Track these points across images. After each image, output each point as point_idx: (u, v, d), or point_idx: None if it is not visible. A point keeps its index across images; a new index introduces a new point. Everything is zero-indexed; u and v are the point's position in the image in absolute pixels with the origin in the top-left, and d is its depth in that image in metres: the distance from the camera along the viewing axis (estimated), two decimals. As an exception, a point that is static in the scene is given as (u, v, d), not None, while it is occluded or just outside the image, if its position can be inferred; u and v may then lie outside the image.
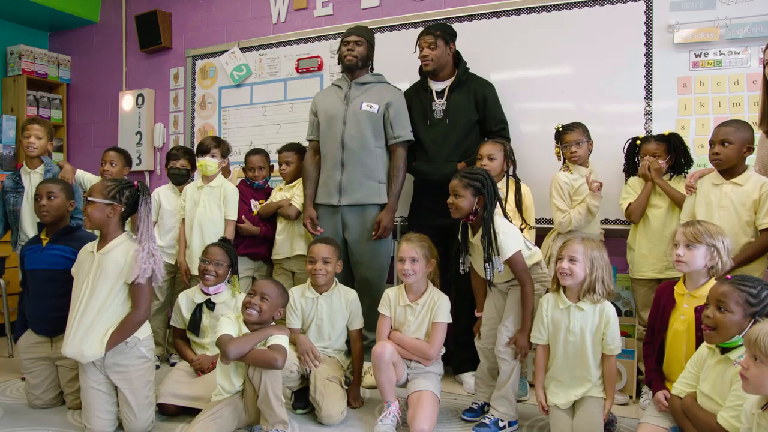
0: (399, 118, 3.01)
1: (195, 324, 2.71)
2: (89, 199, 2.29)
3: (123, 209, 2.32)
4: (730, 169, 2.40)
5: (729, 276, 1.82)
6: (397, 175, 3.00)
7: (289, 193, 3.26)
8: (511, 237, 2.32)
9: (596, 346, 2.18)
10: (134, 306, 2.32)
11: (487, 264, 2.29)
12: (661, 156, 2.68)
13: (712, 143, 2.41)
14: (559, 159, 2.91)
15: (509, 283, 2.45)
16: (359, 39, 3.04)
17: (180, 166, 3.44)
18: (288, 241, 3.22)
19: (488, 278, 2.34)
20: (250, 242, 3.28)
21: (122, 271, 2.27)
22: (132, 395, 2.31)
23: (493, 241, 2.28)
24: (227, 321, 2.34)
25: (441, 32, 3.02)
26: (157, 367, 2.63)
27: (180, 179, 3.44)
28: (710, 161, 2.46)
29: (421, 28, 3.20)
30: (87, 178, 3.36)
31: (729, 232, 2.29)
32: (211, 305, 2.73)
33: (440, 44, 3.01)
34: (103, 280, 2.26)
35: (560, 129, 2.88)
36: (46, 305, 2.60)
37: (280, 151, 3.37)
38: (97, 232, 2.42)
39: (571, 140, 2.82)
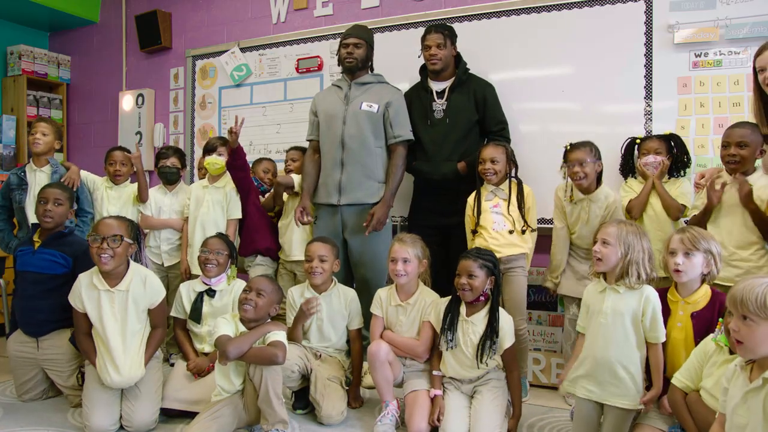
0: (399, 117, 3.01)
1: (197, 312, 2.74)
2: (124, 238, 2.38)
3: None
4: (742, 171, 2.37)
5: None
6: (395, 172, 2.99)
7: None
8: (511, 328, 2.36)
9: (634, 335, 2.01)
10: (157, 324, 2.53)
11: (482, 345, 2.29)
12: (662, 153, 2.68)
13: (727, 144, 2.36)
14: (564, 177, 2.81)
15: (474, 383, 2.38)
16: (359, 41, 3.04)
17: (170, 164, 3.44)
18: (301, 244, 3.18)
19: (481, 360, 2.30)
20: (267, 239, 3.27)
21: (145, 301, 2.46)
22: (142, 390, 2.39)
23: (496, 323, 2.30)
24: (224, 321, 2.35)
25: (449, 32, 3.03)
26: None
27: (171, 177, 3.45)
28: (724, 162, 2.40)
29: (421, 28, 3.20)
30: (91, 178, 3.38)
31: (737, 231, 2.30)
32: (211, 293, 2.76)
33: (448, 44, 3.02)
34: (131, 315, 2.41)
35: (568, 147, 2.77)
36: (33, 307, 2.66)
37: (287, 151, 3.43)
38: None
39: (574, 159, 2.69)
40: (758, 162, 2.41)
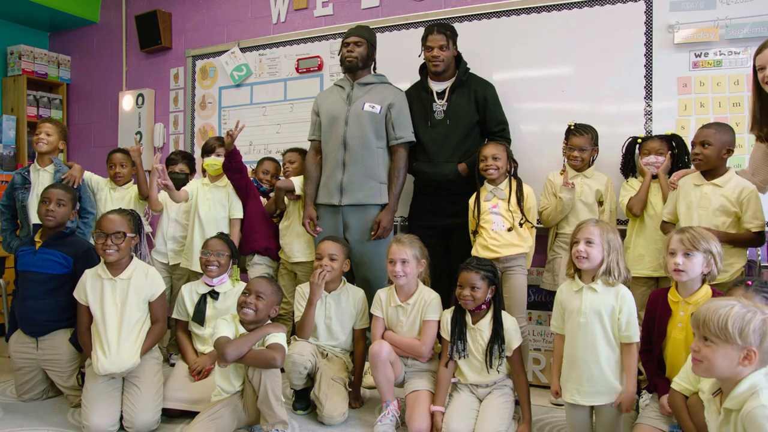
0: (401, 119, 3.01)
1: (200, 314, 2.74)
2: (127, 234, 2.44)
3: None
4: (711, 170, 2.43)
5: (750, 282, 1.80)
6: (398, 176, 2.99)
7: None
8: (517, 330, 2.39)
9: (612, 332, 2.07)
10: (157, 319, 2.54)
11: (489, 350, 2.33)
12: (664, 154, 2.70)
13: (693, 144, 2.46)
14: (564, 155, 2.91)
15: (489, 388, 2.41)
16: (359, 39, 3.02)
17: (179, 170, 3.46)
18: (303, 245, 3.20)
19: (490, 365, 2.35)
20: (265, 239, 3.27)
21: (145, 291, 2.49)
22: (143, 390, 2.38)
23: (500, 330, 2.34)
24: (224, 323, 2.35)
25: (450, 32, 3.02)
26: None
27: (179, 183, 3.45)
28: (692, 161, 2.52)
29: (421, 28, 3.19)
30: (95, 179, 3.39)
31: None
32: (215, 295, 2.76)
33: (450, 45, 3.01)
34: (131, 303, 2.44)
35: (572, 127, 2.88)
36: (32, 307, 2.66)
37: (283, 153, 3.41)
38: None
39: (575, 145, 2.83)
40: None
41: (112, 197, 3.37)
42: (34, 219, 3.08)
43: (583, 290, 2.12)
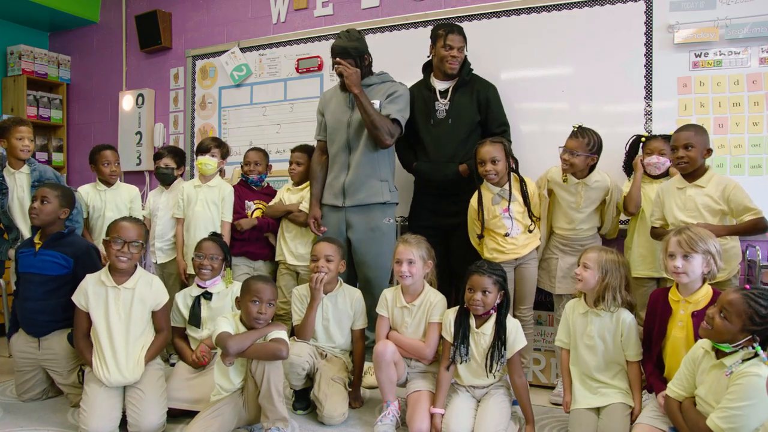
0: (396, 98, 2.93)
1: (195, 317, 2.71)
2: (142, 243, 2.45)
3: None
4: (693, 172, 2.45)
5: (748, 286, 1.81)
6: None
7: (296, 196, 3.25)
8: (520, 332, 2.38)
9: (615, 353, 2.23)
10: (161, 328, 2.55)
11: (490, 355, 2.33)
12: (666, 154, 2.69)
13: (674, 148, 2.47)
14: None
15: (487, 389, 2.41)
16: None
17: (164, 165, 3.44)
18: (307, 245, 3.18)
19: (490, 369, 2.33)
20: (245, 242, 3.28)
21: (150, 301, 2.49)
22: (148, 394, 2.37)
23: (503, 335, 2.33)
24: (224, 320, 2.34)
25: (464, 34, 3.03)
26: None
27: (165, 178, 3.45)
28: (674, 165, 2.54)
29: (421, 28, 3.20)
30: (80, 195, 3.36)
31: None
32: (208, 295, 2.72)
33: (465, 47, 3.03)
34: (136, 313, 2.44)
35: (575, 128, 2.76)
36: (33, 308, 2.66)
37: (292, 151, 3.36)
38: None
39: (567, 146, 2.73)
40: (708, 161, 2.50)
41: (102, 198, 3.34)
42: (19, 222, 3.09)
43: (588, 314, 2.25)
